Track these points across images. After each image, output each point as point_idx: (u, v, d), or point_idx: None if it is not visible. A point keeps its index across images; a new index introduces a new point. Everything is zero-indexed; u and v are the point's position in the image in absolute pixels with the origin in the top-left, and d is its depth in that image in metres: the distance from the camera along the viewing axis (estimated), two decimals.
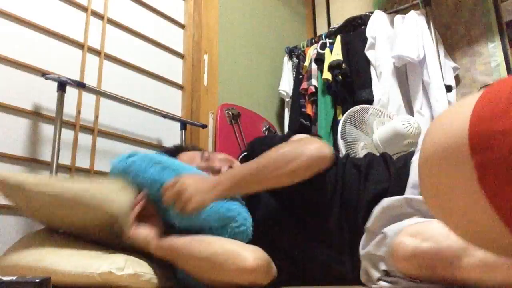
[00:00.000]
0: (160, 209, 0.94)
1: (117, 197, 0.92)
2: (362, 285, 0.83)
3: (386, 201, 0.84)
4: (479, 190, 0.31)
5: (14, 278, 0.57)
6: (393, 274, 0.73)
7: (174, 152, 1.15)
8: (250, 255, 0.83)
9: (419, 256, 0.66)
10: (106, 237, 0.95)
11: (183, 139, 1.76)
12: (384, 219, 0.82)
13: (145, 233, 0.91)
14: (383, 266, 0.75)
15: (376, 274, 0.77)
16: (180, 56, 1.98)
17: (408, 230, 0.71)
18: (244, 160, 1.14)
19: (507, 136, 0.29)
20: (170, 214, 0.92)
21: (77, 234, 0.98)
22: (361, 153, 1.62)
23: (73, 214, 0.92)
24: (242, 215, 0.92)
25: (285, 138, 1.08)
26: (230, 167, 1.08)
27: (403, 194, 0.91)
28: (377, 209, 0.84)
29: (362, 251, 0.83)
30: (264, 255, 0.87)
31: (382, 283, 0.75)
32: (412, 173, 0.94)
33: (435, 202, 0.36)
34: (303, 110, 2.26)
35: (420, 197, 0.81)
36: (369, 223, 0.84)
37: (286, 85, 2.42)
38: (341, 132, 1.67)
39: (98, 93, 1.52)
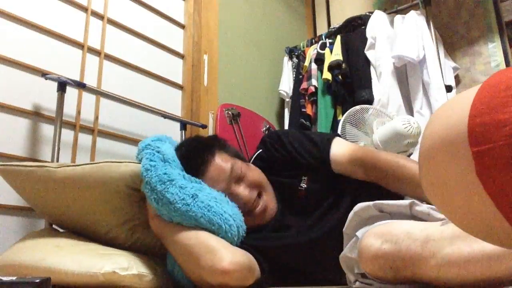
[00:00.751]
0: (156, 209, 0.93)
1: (128, 163, 0.98)
2: (345, 285, 0.83)
3: (357, 206, 0.84)
4: (477, 180, 0.31)
5: (14, 278, 0.57)
6: (366, 276, 0.73)
7: (208, 151, 1.03)
8: (228, 257, 0.82)
9: (381, 258, 0.66)
10: (115, 223, 0.98)
11: (183, 139, 1.76)
12: (356, 223, 0.82)
13: None
14: (356, 269, 0.76)
15: (351, 277, 0.78)
16: (180, 56, 1.98)
17: (372, 231, 0.72)
18: (259, 158, 1.11)
19: (504, 128, 0.30)
20: (163, 213, 0.91)
21: (83, 226, 0.99)
22: None
23: (85, 194, 0.95)
24: (229, 223, 0.90)
25: (327, 138, 1.08)
26: (259, 194, 1.02)
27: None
28: (350, 214, 0.85)
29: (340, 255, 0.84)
30: (245, 259, 0.85)
31: (358, 283, 0.76)
32: None
33: (434, 192, 0.37)
34: (303, 110, 2.26)
35: (389, 201, 0.82)
36: (344, 227, 0.85)
37: (286, 85, 2.42)
38: (341, 132, 1.67)
39: (98, 93, 1.52)
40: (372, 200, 0.92)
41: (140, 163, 0.97)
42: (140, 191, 0.96)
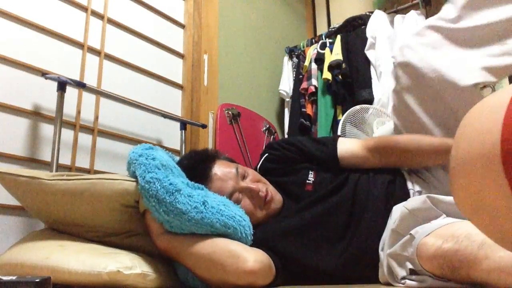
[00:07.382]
0: (164, 221, 0.91)
1: (127, 180, 0.96)
2: (388, 284, 0.84)
3: (412, 204, 0.86)
4: None
5: (14, 277, 0.57)
6: (421, 273, 0.76)
7: (210, 158, 1.09)
8: (251, 257, 0.85)
9: (440, 257, 0.69)
10: (114, 230, 0.97)
11: (183, 139, 1.76)
12: (411, 221, 0.84)
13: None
14: (409, 266, 0.79)
15: (402, 273, 0.80)
16: (180, 56, 1.98)
17: (436, 233, 0.74)
18: (268, 160, 1.16)
19: None
20: (173, 225, 0.90)
21: (76, 233, 0.98)
22: None
23: (75, 208, 0.94)
24: (242, 223, 0.92)
25: (333, 139, 1.17)
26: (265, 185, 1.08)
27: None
28: (401, 210, 0.86)
29: (387, 251, 0.85)
30: (265, 258, 0.89)
31: (408, 281, 0.78)
32: None
33: (468, 210, 0.36)
34: (303, 110, 2.27)
35: (442, 197, 0.85)
36: (394, 225, 0.86)
37: (286, 85, 2.42)
38: (341, 132, 1.67)
39: (98, 93, 1.52)
40: (375, 183, 1.00)
41: (132, 177, 0.95)
42: (133, 207, 0.95)
